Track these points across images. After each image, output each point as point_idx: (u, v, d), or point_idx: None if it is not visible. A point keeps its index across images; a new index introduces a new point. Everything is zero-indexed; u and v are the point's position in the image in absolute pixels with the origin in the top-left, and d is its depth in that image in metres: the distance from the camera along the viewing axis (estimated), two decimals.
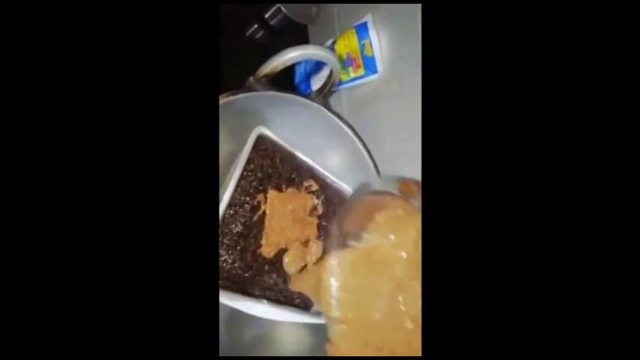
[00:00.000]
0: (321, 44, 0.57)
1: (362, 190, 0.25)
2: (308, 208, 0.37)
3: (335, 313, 0.24)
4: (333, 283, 0.24)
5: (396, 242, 0.23)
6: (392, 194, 0.27)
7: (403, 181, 0.22)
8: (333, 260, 0.24)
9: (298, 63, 0.56)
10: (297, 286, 0.34)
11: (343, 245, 0.25)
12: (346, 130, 0.37)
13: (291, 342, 0.36)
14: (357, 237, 0.25)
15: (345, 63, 0.52)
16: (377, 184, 0.22)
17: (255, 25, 0.55)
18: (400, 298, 0.21)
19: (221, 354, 0.33)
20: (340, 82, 0.52)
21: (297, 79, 0.56)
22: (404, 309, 0.21)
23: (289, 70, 0.55)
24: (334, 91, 0.45)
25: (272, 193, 0.34)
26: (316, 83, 0.56)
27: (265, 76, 0.30)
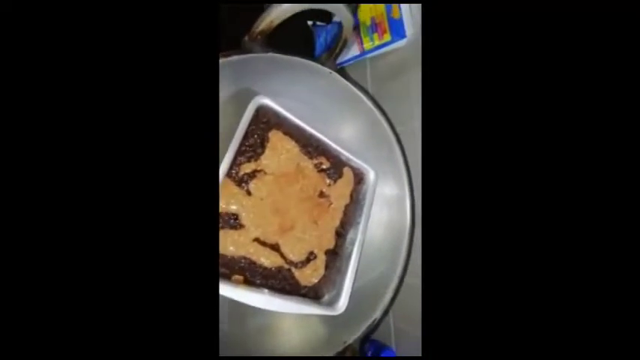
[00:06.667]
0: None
1: None
2: (318, 189, 0.31)
3: None
4: None
5: None
6: None
7: None
8: None
9: (317, 33, 0.48)
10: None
11: None
12: (362, 97, 0.30)
13: (298, 332, 0.31)
14: None
15: (369, 29, 0.44)
16: None
17: None
18: None
19: (222, 344, 0.29)
20: (364, 52, 0.44)
21: (318, 51, 0.49)
22: None
23: (308, 42, 0.48)
24: (346, 52, 0.38)
25: (274, 171, 0.28)
26: (340, 56, 0.48)
27: (261, 32, 0.24)
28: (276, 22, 0.24)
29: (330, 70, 0.28)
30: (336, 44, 0.31)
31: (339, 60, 0.47)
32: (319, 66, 0.28)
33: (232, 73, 0.25)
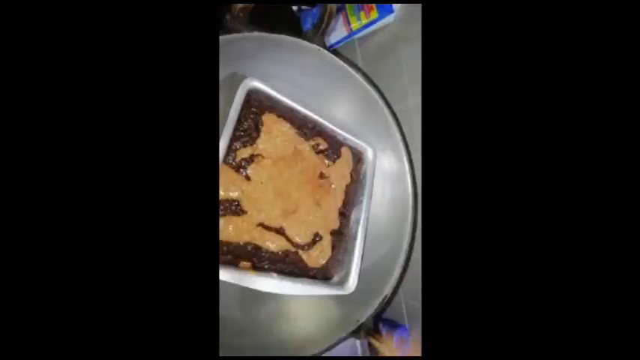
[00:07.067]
0: None
1: None
2: (318, 170, 0.31)
3: None
4: None
5: None
6: None
7: None
8: None
9: (304, 19, 0.47)
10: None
11: None
12: (353, 73, 0.29)
13: (312, 314, 0.31)
14: None
15: (355, 8, 0.43)
16: None
17: None
18: None
19: (235, 332, 0.28)
20: (352, 32, 0.43)
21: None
22: None
23: (295, 24, 0.47)
24: (333, 29, 0.36)
25: (271, 155, 0.27)
26: (327, 37, 0.47)
27: (243, 9, 0.23)
28: None
29: (318, 47, 0.27)
30: (322, 19, 0.30)
31: (328, 41, 0.46)
32: (307, 43, 0.27)
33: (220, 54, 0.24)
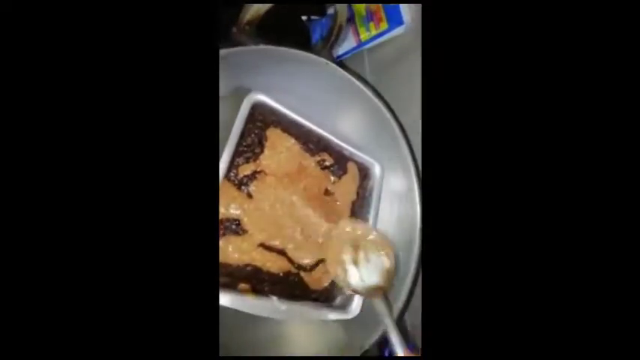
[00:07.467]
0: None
1: None
2: (323, 187, 0.29)
3: None
4: None
5: None
6: None
7: None
8: None
9: (313, 29, 0.46)
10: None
11: None
12: (362, 87, 0.28)
13: (313, 340, 0.29)
14: None
15: (365, 19, 0.42)
16: None
17: None
18: None
19: (230, 355, 0.27)
20: (361, 43, 0.42)
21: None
22: None
23: (304, 39, 0.46)
24: (342, 43, 0.35)
25: (275, 171, 0.26)
26: (336, 50, 0.46)
27: (250, 23, 0.22)
28: (264, 9, 0.22)
29: (326, 61, 0.26)
30: (331, 32, 0.29)
31: (336, 52, 0.45)
32: (314, 57, 0.26)
33: (222, 68, 0.23)
